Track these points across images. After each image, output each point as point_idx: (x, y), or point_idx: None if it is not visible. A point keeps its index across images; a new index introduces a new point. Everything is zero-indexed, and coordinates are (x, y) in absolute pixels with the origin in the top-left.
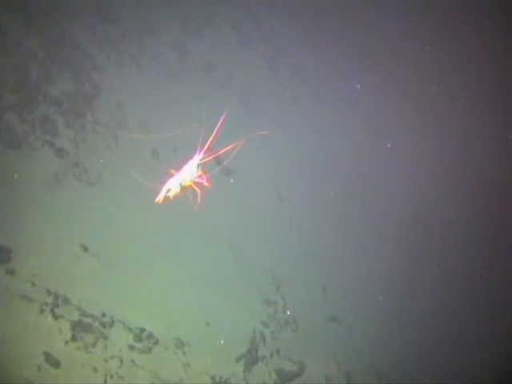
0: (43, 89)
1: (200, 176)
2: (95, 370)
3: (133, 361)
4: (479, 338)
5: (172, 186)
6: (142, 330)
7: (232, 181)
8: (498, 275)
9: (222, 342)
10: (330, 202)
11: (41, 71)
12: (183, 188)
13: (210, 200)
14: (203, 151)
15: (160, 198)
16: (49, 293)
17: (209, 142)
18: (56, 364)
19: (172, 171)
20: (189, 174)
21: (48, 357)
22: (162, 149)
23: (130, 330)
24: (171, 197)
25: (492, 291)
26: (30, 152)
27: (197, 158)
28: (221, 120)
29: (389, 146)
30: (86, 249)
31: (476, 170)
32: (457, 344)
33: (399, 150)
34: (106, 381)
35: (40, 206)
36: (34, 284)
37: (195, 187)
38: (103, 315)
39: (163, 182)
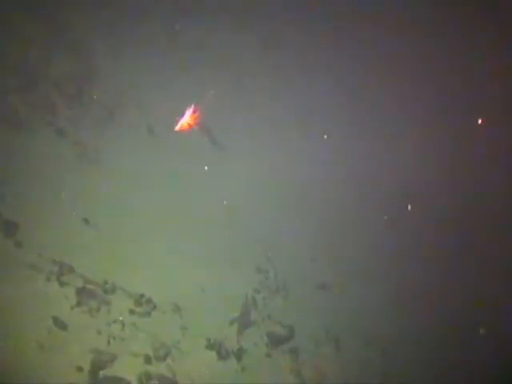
0: (43, 71)
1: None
2: (99, 332)
3: (134, 324)
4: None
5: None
6: (142, 295)
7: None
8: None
9: (216, 306)
10: (322, 177)
11: (41, 54)
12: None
13: (208, 174)
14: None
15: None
16: (54, 262)
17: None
18: (63, 327)
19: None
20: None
21: (56, 321)
22: (157, 126)
23: (130, 295)
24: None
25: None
26: (33, 132)
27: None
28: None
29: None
30: (87, 221)
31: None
32: (443, 313)
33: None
34: (109, 342)
35: (44, 182)
36: (40, 255)
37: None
38: (105, 282)
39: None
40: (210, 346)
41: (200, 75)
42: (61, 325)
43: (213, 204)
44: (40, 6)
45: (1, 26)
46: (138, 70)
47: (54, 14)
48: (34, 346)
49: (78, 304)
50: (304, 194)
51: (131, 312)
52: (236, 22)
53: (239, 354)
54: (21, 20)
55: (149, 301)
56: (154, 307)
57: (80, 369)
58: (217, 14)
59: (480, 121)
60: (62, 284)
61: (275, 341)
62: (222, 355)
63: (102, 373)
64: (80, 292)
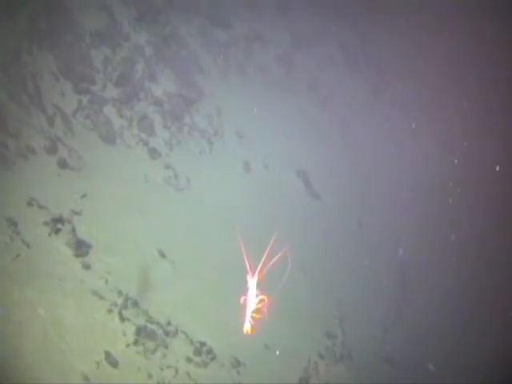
0: (146, 86)
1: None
2: (150, 376)
3: (187, 373)
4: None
5: (251, 314)
6: (203, 344)
7: None
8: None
9: (277, 367)
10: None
11: (146, 69)
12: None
13: (293, 224)
14: (256, 272)
15: (247, 327)
16: (120, 293)
17: (261, 263)
18: (114, 364)
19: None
20: (254, 298)
21: (108, 356)
22: (255, 163)
23: (192, 342)
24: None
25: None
26: (124, 148)
27: (253, 281)
28: (271, 241)
29: None
30: (163, 254)
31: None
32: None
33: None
34: None
35: (125, 204)
36: (107, 282)
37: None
38: (168, 324)
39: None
40: None
41: (307, 114)
42: (112, 361)
43: (294, 259)
44: (152, 18)
45: (111, 31)
46: (244, 97)
47: (166, 28)
48: (78, 376)
49: (135, 342)
50: (390, 261)
51: (188, 360)
52: (351, 62)
53: None
54: (130, 30)
55: (209, 351)
56: (213, 358)
57: None
58: (333, 52)
59: None
60: (122, 319)
61: None
62: None
63: None
64: (140, 330)
